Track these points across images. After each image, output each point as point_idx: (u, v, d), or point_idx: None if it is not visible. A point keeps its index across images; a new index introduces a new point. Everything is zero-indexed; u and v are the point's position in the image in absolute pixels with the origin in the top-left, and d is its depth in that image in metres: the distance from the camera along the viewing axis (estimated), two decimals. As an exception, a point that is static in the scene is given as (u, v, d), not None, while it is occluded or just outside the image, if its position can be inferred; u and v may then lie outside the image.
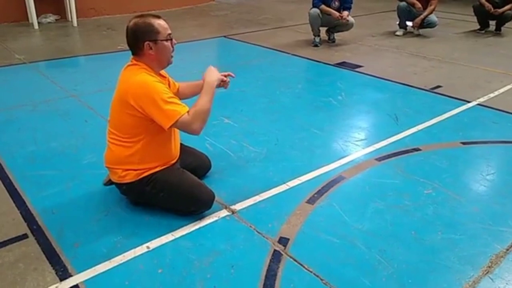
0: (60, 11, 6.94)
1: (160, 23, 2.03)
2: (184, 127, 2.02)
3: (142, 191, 2.15)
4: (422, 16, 6.28)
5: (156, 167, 2.15)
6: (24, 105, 3.58)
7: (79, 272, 1.81)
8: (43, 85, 4.09)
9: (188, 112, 2.00)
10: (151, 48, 2.02)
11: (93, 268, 1.83)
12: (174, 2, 8.29)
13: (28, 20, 6.56)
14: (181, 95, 2.38)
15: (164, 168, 2.17)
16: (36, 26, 6.39)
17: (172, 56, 2.12)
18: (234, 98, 3.86)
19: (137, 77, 2.00)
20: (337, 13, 5.53)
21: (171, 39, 2.07)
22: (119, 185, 2.21)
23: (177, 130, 2.24)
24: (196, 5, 8.77)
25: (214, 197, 2.19)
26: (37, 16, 6.48)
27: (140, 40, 2.01)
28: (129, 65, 2.10)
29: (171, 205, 2.18)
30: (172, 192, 2.15)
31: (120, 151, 2.11)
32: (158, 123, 2.00)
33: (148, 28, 2.00)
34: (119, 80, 2.12)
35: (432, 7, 6.27)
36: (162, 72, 2.21)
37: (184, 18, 7.52)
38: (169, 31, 2.06)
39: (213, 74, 2.17)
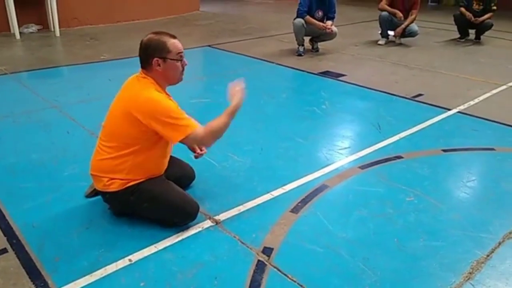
0: (43, 21, 6.87)
1: (173, 43, 2.08)
2: (196, 142, 2.12)
3: (126, 200, 2.13)
4: (403, 26, 6.39)
5: (142, 178, 2.14)
6: (5, 116, 3.52)
7: (60, 287, 1.77)
8: (24, 96, 4.04)
9: (203, 127, 2.06)
10: (159, 65, 2.06)
11: (74, 282, 1.80)
12: (158, 11, 8.29)
13: (9, 30, 6.46)
14: None
15: (149, 179, 2.16)
16: (18, 36, 6.32)
17: (182, 76, 2.16)
18: (218, 107, 3.81)
19: (146, 92, 2.03)
20: (321, 24, 5.60)
21: (181, 59, 2.11)
22: (103, 194, 2.19)
23: (171, 147, 2.26)
24: (180, 14, 8.79)
25: (198, 208, 2.18)
26: (19, 26, 6.40)
27: (150, 56, 2.05)
28: (137, 76, 2.12)
29: (155, 216, 2.17)
30: (157, 202, 2.13)
31: (110, 160, 2.10)
32: (167, 137, 2.06)
33: (160, 46, 2.06)
34: (123, 88, 2.15)
35: (413, 16, 6.39)
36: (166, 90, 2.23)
37: (168, 28, 7.50)
38: (181, 52, 2.11)
39: (242, 98, 2.27)
